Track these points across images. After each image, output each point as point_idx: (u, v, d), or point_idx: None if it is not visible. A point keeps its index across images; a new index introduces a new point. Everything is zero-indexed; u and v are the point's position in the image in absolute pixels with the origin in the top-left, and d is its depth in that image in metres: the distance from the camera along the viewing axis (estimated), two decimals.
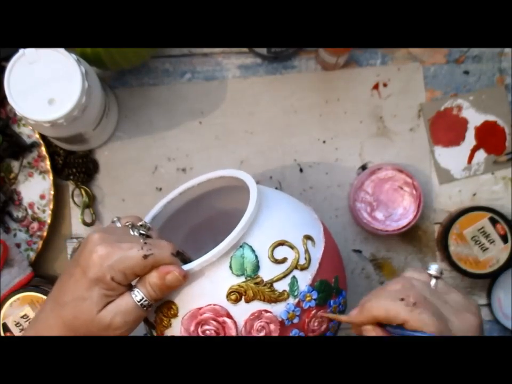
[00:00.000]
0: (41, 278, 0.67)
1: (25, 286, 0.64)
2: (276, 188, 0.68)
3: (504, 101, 0.69)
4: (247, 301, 0.47)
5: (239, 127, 0.69)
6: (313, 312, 0.50)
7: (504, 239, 0.64)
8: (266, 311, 0.48)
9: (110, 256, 0.44)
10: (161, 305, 0.49)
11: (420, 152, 0.69)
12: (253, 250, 0.48)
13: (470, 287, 0.68)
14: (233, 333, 0.47)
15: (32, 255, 0.66)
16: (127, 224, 0.49)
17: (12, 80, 0.55)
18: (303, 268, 0.49)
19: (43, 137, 0.67)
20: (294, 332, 0.49)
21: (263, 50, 0.67)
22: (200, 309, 0.47)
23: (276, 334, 0.48)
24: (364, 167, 0.69)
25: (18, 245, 0.66)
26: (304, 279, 0.49)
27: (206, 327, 0.47)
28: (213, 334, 0.47)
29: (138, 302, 0.45)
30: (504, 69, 0.69)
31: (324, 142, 0.69)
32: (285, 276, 0.48)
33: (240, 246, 0.48)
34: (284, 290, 0.48)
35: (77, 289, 0.45)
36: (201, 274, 0.47)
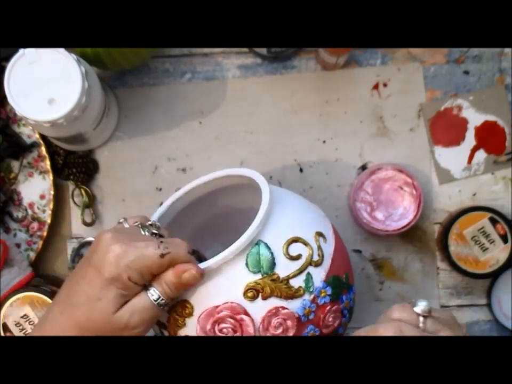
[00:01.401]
0: (41, 278, 0.67)
1: (25, 286, 0.64)
2: None
3: (504, 101, 0.69)
4: (264, 298, 0.47)
5: (239, 127, 0.69)
6: (328, 307, 0.50)
7: (504, 239, 0.64)
8: (283, 308, 0.48)
9: (126, 256, 0.44)
10: (175, 305, 0.49)
11: (420, 152, 0.69)
12: (269, 248, 0.48)
13: (470, 287, 0.68)
14: (250, 330, 0.47)
15: (32, 255, 0.66)
16: (135, 224, 0.49)
17: (12, 80, 0.55)
18: (317, 264, 0.50)
19: (43, 137, 0.67)
20: (309, 328, 0.49)
21: (263, 50, 0.67)
22: (217, 307, 0.47)
23: (292, 330, 0.48)
24: (363, 167, 0.69)
25: (18, 245, 0.66)
26: (319, 275, 0.50)
27: (223, 325, 0.47)
28: (230, 332, 0.47)
29: (155, 301, 0.45)
30: (504, 69, 0.69)
31: (324, 142, 0.69)
32: (300, 272, 0.49)
33: (256, 244, 0.48)
34: (300, 287, 0.49)
35: (91, 289, 0.44)
36: (218, 272, 0.47)
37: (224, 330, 0.47)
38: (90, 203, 0.68)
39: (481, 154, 0.68)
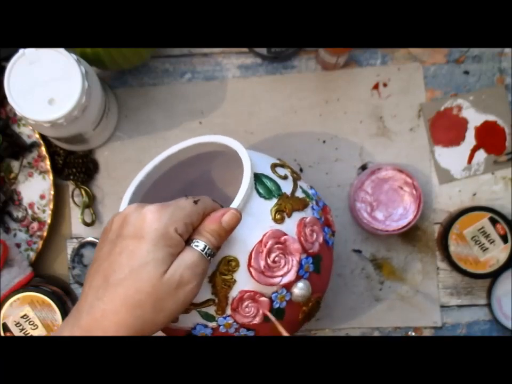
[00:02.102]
0: (41, 278, 0.67)
1: (25, 286, 0.64)
2: None
3: (504, 101, 0.69)
4: (289, 215, 0.51)
5: (239, 127, 0.69)
6: (327, 208, 0.57)
7: (504, 239, 0.64)
8: (305, 218, 0.52)
9: (164, 212, 0.43)
10: (218, 268, 0.48)
11: (420, 152, 0.69)
12: (265, 175, 0.52)
13: (470, 287, 0.68)
14: (296, 246, 0.50)
15: (32, 255, 0.66)
16: None
17: (12, 80, 0.55)
18: (298, 179, 0.55)
19: (43, 137, 0.67)
20: (326, 230, 0.55)
21: (263, 50, 0.67)
22: (261, 242, 0.49)
23: (321, 234, 0.53)
24: (363, 167, 0.69)
25: (18, 245, 0.66)
26: (305, 186, 0.56)
27: (274, 255, 0.49)
28: (282, 257, 0.49)
29: (202, 251, 0.44)
30: (504, 69, 0.69)
31: (324, 142, 0.69)
32: (296, 187, 0.54)
33: (257, 176, 0.51)
34: (303, 197, 0.54)
35: (135, 258, 0.41)
36: (244, 213, 0.48)
37: (276, 258, 0.49)
38: (90, 203, 0.68)
39: (481, 154, 0.68)
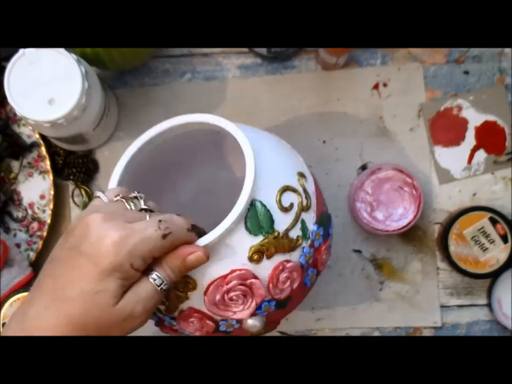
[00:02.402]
0: None
1: (25, 286, 0.64)
2: None
3: (504, 101, 0.69)
4: (269, 257, 0.46)
5: None
6: (323, 248, 0.50)
7: (504, 239, 0.64)
8: (288, 261, 0.47)
9: (126, 241, 0.40)
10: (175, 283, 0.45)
11: (420, 152, 0.69)
12: (264, 205, 0.46)
13: (470, 287, 0.68)
14: (261, 292, 0.46)
15: (32, 255, 0.66)
16: (117, 198, 0.45)
17: (12, 80, 0.55)
18: (307, 208, 0.49)
19: (43, 137, 0.67)
20: (310, 271, 0.49)
21: (263, 50, 0.67)
22: (225, 277, 0.45)
23: (298, 280, 0.48)
24: (364, 167, 0.69)
25: (18, 245, 0.66)
26: (310, 219, 0.49)
27: (233, 293, 0.46)
28: (241, 298, 0.46)
29: (158, 286, 0.42)
30: (504, 69, 0.69)
31: (324, 142, 0.69)
32: (296, 222, 0.47)
33: (252, 204, 0.46)
34: (298, 236, 0.48)
35: (86, 283, 0.40)
36: (219, 243, 0.45)
37: (234, 297, 0.46)
38: None
39: (481, 154, 0.68)
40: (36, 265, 0.67)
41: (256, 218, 0.46)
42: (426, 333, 0.68)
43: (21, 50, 0.55)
